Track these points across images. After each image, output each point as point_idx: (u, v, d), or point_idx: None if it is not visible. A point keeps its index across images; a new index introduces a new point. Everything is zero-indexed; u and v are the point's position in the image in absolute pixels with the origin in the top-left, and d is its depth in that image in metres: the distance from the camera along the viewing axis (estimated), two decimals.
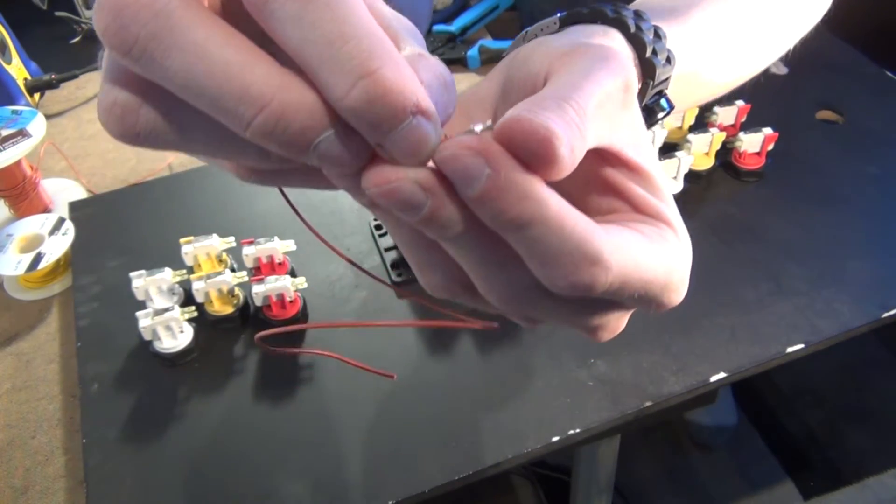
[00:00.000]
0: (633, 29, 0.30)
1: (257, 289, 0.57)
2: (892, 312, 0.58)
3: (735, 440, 1.23)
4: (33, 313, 0.68)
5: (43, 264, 0.65)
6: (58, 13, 1.06)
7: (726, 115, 0.71)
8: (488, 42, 0.92)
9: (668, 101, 0.34)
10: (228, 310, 0.59)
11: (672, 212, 0.25)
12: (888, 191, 0.68)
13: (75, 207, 0.73)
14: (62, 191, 0.80)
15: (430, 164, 0.19)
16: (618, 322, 0.26)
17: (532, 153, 0.19)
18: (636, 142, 0.24)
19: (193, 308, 0.57)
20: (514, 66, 0.26)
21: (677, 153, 0.66)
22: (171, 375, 0.57)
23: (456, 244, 0.21)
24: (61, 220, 0.69)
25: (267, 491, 0.50)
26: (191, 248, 0.60)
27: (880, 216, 0.66)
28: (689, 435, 1.24)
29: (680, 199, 0.67)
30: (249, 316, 0.61)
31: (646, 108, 0.33)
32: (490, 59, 0.92)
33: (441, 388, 0.55)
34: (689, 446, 1.23)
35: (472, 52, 0.91)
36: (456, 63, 0.93)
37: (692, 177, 0.69)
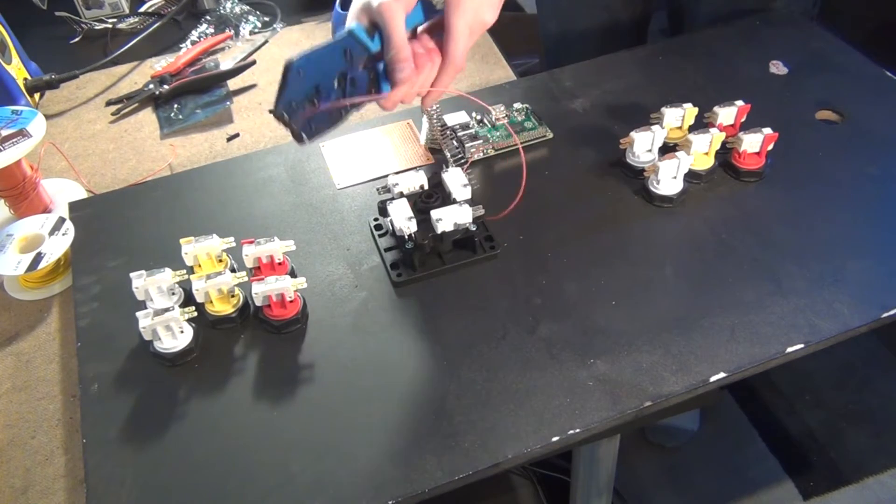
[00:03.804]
0: None
1: (257, 289, 0.57)
2: (892, 312, 0.58)
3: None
4: (33, 313, 0.68)
5: (43, 264, 0.65)
6: (58, 13, 1.07)
7: (726, 115, 0.71)
8: None
9: None
10: (228, 310, 0.59)
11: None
12: (888, 191, 0.68)
13: (75, 207, 0.73)
14: (62, 191, 0.80)
15: None
16: None
17: None
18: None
19: (193, 308, 0.57)
20: None
21: (677, 153, 0.66)
22: (171, 375, 0.57)
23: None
24: (61, 220, 0.69)
25: (266, 491, 0.50)
26: (191, 248, 0.60)
27: (880, 216, 0.66)
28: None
29: (680, 199, 0.67)
30: (249, 316, 0.61)
31: None
32: None
33: (441, 387, 0.55)
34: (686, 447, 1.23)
35: None
36: None
37: (692, 177, 0.69)
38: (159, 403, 0.55)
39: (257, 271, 0.61)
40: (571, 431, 0.52)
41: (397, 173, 0.64)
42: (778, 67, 0.82)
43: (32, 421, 0.59)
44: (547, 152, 0.75)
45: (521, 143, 0.75)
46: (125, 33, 1.07)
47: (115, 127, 0.90)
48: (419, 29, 0.60)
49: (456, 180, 0.62)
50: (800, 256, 0.63)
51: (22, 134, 0.70)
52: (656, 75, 0.83)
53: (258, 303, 0.58)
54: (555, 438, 0.52)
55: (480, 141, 0.74)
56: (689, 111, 0.71)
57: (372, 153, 0.76)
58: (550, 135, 0.76)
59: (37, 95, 0.93)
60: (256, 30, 1.06)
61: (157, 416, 0.54)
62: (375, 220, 0.67)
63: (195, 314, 0.57)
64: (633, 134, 0.69)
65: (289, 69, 0.53)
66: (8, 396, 0.61)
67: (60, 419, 0.59)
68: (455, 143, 0.73)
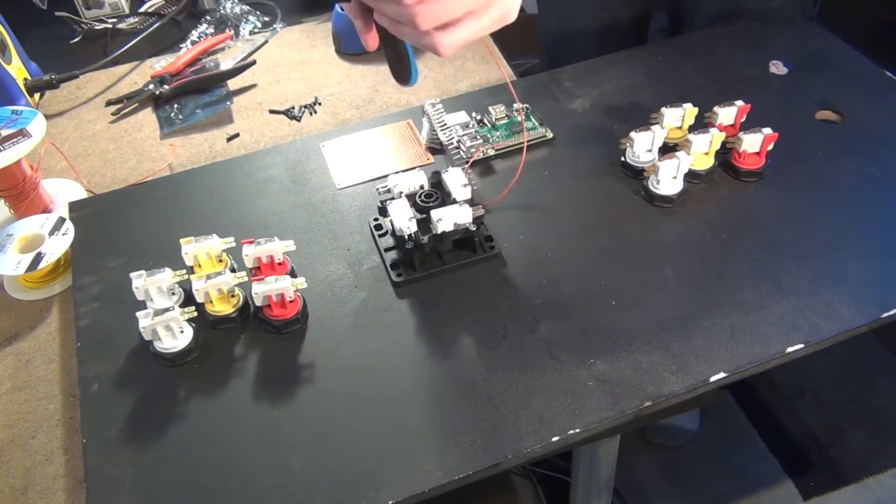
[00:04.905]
0: None
1: (257, 289, 0.57)
2: (892, 312, 0.58)
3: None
4: (33, 313, 0.68)
5: (43, 264, 0.65)
6: (58, 13, 1.06)
7: (726, 115, 0.71)
8: None
9: None
10: (228, 310, 0.59)
11: None
12: (888, 191, 0.68)
13: (75, 207, 0.73)
14: (62, 191, 0.80)
15: None
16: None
17: None
18: None
19: (193, 308, 0.57)
20: None
21: (677, 153, 0.66)
22: (171, 375, 0.57)
23: None
24: (61, 220, 0.69)
25: (266, 491, 0.50)
26: (191, 248, 0.60)
27: (880, 216, 0.66)
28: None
29: (680, 199, 0.67)
30: (249, 316, 0.61)
31: None
32: None
33: (441, 387, 0.55)
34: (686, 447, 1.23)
35: None
36: None
37: (692, 177, 0.69)
38: (159, 403, 0.55)
39: (257, 271, 0.61)
40: (571, 431, 0.52)
41: (397, 173, 0.64)
42: (778, 67, 0.82)
43: (32, 421, 0.59)
44: (547, 152, 0.75)
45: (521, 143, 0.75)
46: (125, 33, 1.07)
47: (115, 127, 0.90)
48: None
49: (456, 180, 0.62)
50: (800, 256, 0.63)
51: (22, 134, 0.70)
52: (656, 75, 0.83)
53: (258, 303, 0.58)
54: (555, 438, 0.52)
55: (480, 141, 0.74)
56: (689, 111, 0.71)
57: (372, 153, 0.76)
58: (550, 135, 0.76)
59: (37, 95, 0.93)
60: (256, 30, 1.06)
61: (157, 416, 0.54)
62: (375, 220, 0.67)
63: (195, 314, 0.57)
64: (633, 134, 0.69)
65: None
66: (8, 396, 0.61)
67: (60, 419, 0.59)
68: (455, 142, 0.73)
